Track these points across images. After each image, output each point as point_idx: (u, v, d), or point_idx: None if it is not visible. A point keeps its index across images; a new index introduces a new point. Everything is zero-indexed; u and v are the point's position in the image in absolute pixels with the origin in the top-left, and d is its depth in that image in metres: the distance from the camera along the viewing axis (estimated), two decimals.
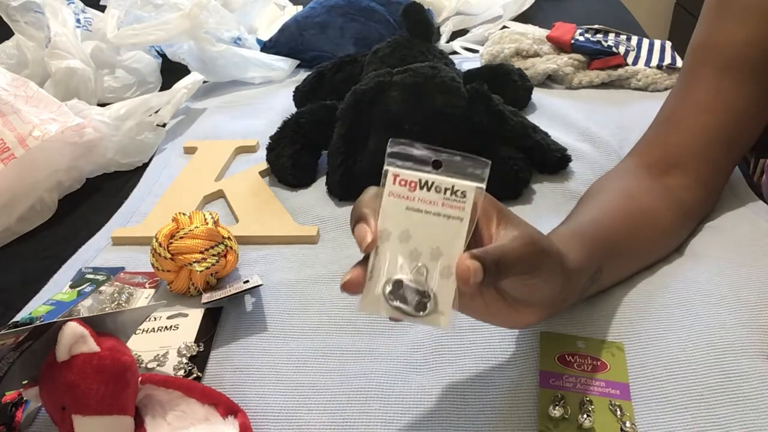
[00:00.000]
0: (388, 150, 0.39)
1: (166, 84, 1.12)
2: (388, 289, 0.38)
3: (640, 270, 0.59)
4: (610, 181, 0.64)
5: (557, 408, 0.46)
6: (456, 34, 1.31)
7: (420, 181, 0.39)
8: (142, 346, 0.56)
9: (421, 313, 0.37)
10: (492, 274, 0.37)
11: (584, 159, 0.80)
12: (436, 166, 0.39)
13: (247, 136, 0.95)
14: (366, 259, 0.39)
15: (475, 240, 0.41)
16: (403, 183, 0.39)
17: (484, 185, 0.39)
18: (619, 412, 0.46)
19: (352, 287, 0.38)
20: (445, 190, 0.39)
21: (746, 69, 0.60)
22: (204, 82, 1.13)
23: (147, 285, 0.65)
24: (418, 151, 0.39)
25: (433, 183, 0.39)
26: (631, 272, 0.58)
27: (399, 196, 0.39)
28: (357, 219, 0.39)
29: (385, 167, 0.39)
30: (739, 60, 0.60)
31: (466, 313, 0.44)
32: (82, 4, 1.18)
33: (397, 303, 0.38)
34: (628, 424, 0.45)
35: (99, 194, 0.87)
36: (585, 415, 0.45)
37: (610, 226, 0.56)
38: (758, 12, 0.58)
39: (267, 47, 1.23)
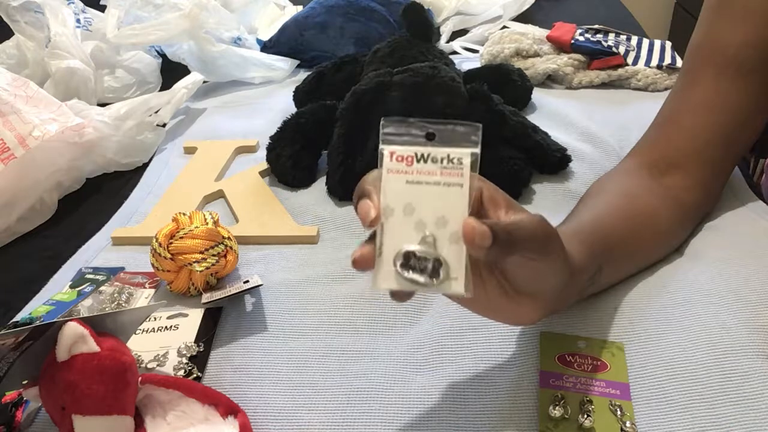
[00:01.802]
0: (382, 130, 0.40)
1: (166, 84, 1.12)
2: (400, 261, 0.38)
3: (639, 270, 0.59)
4: (610, 181, 0.64)
5: (557, 408, 0.46)
6: (456, 34, 1.31)
7: (416, 154, 0.39)
8: (142, 346, 0.56)
9: (435, 281, 0.38)
10: (503, 244, 0.37)
11: (584, 159, 0.80)
12: (430, 137, 0.40)
13: (247, 136, 0.95)
14: (372, 237, 0.39)
15: None
16: (399, 159, 0.39)
17: (478, 149, 0.39)
18: (619, 412, 0.46)
19: (362, 264, 0.38)
20: (442, 159, 0.39)
21: (746, 69, 0.60)
22: (204, 82, 1.13)
23: (147, 285, 0.65)
24: (410, 126, 0.40)
25: (429, 154, 0.39)
26: (630, 272, 0.58)
27: (398, 172, 0.39)
28: (359, 196, 0.39)
29: (380, 147, 0.40)
30: (739, 60, 0.60)
31: (468, 307, 0.44)
32: (82, 4, 1.18)
33: (409, 274, 0.38)
34: (628, 424, 0.45)
35: (99, 194, 0.87)
36: (585, 415, 0.45)
37: (610, 227, 0.56)
38: (757, 12, 0.58)
39: (267, 47, 1.23)
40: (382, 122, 0.40)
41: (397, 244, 0.38)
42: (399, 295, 0.40)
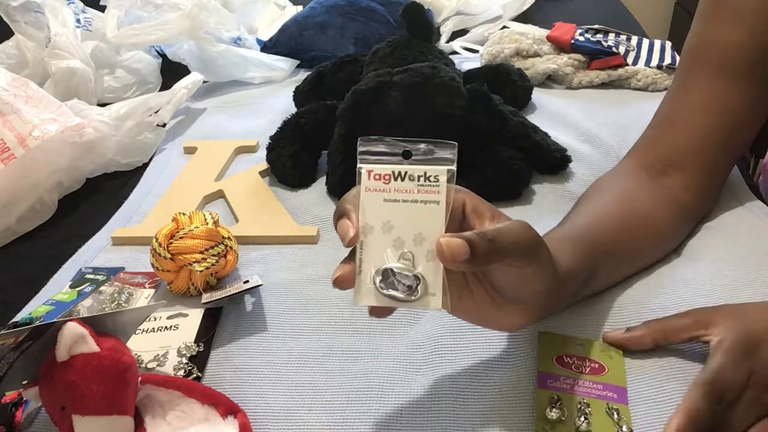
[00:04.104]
0: (359, 149, 0.41)
1: (166, 84, 1.12)
2: (379, 279, 0.39)
3: (638, 271, 0.59)
4: (607, 182, 0.64)
5: (554, 410, 0.45)
6: (456, 34, 1.31)
7: (393, 172, 0.40)
8: (142, 346, 0.56)
9: (413, 297, 0.39)
10: (485, 253, 0.38)
11: (584, 159, 0.80)
12: (407, 156, 0.41)
13: (247, 136, 0.95)
14: (352, 254, 0.40)
15: None
16: (377, 177, 0.40)
17: (454, 167, 0.40)
18: (616, 416, 0.45)
19: (342, 283, 0.39)
20: (419, 177, 0.40)
21: (741, 69, 0.60)
22: (204, 82, 1.13)
23: (147, 285, 0.65)
24: (387, 145, 0.41)
25: (406, 173, 0.40)
26: (628, 273, 0.58)
27: (375, 190, 0.40)
28: (339, 215, 0.40)
29: (358, 166, 0.40)
30: (734, 61, 0.60)
31: (455, 315, 0.45)
32: (82, 4, 1.18)
33: (388, 291, 0.39)
34: (624, 428, 0.45)
35: (99, 194, 0.87)
36: (582, 418, 0.45)
37: (607, 229, 0.56)
38: (752, 13, 0.58)
39: (267, 47, 1.23)
40: (359, 141, 0.41)
41: (376, 261, 0.39)
42: (378, 311, 0.41)
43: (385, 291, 0.39)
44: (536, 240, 0.42)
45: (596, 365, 0.50)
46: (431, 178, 0.40)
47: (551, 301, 0.47)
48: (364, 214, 0.40)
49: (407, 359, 0.53)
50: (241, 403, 0.49)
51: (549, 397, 0.47)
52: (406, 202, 0.40)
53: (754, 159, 0.84)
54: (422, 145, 0.40)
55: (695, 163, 0.62)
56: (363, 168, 0.40)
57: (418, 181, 0.40)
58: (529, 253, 0.41)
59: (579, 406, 0.46)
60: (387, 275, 0.39)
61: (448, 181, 0.40)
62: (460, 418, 0.47)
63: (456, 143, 0.40)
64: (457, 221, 0.42)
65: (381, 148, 0.40)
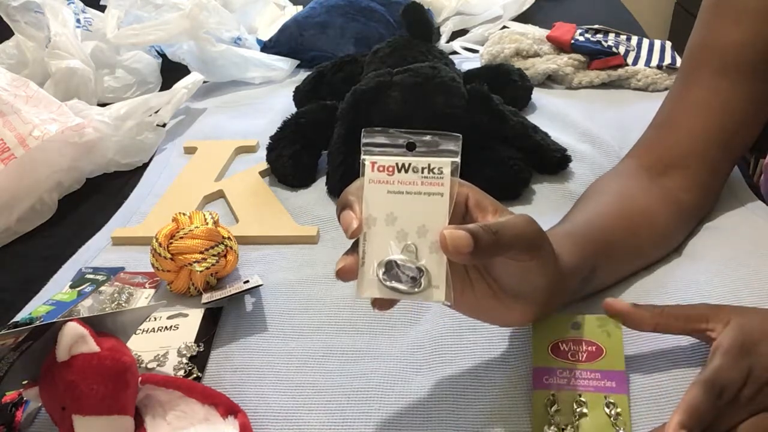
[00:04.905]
0: (363, 141, 0.41)
1: (166, 84, 1.12)
2: (382, 271, 0.39)
3: (638, 270, 0.59)
4: (607, 182, 0.64)
5: (551, 428, 0.45)
6: (456, 34, 1.31)
7: (397, 164, 0.40)
8: (142, 346, 0.56)
9: (416, 289, 0.39)
10: (488, 246, 0.38)
11: (584, 159, 0.80)
12: (411, 148, 0.40)
13: (247, 136, 0.95)
14: (355, 246, 0.40)
15: None
16: (381, 169, 0.40)
17: (458, 159, 0.40)
18: (614, 413, 0.45)
19: (346, 274, 0.39)
20: (422, 169, 0.40)
21: (743, 70, 0.60)
22: (204, 82, 1.13)
23: (147, 285, 0.65)
24: (391, 136, 0.41)
25: (409, 164, 0.40)
26: (629, 272, 0.58)
27: (379, 182, 0.40)
28: (342, 207, 0.40)
29: (362, 157, 0.40)
30: (736, 61, 0.60)
31: (457, 309, 0.45)
32: (82, 4, 1.18)
33: (391, 283, 0.39)
34: (622, 431, 0.44)
35: (99, 194, 0.87)
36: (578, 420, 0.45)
37: (607, 227, 0.56)
38: (754, 13, 0.58)
39: (267, 47, 1.23)
40: (363, 133, 0.41)
41: (379, 253, 0.39)
42: (380, 304, 0.41)
43: (388, 283, 0.39)
44: (540, 234, 0.42)
45: (593, 347, 0.48)
46: (435, 170, 0.40)
47: (552, 297, 0.47)
48: (367, 206, 0.40)
49: (407, 359, 0.53)
50: (241, 403, 0.49)
51: (545, 403, 0.46)
52: (410, 193, 0.40)
53: (754, 159, 0.84)
54: (426, 137, 0.40)
55: (696, 164, 0.62)
56: (367, 159, 0.40)
57: (422, 173, 0.40)
58: (533, 246, 0.41)
59: (576, 407, 0.46)
60: (390, 267, 0.39)
61: (452, 173, 0.40)
62: (460, 419, 0.47)
63: (460, 135, 0.40)
64: (460, 215, 0.42)
65: (385, 140, 0.40)
